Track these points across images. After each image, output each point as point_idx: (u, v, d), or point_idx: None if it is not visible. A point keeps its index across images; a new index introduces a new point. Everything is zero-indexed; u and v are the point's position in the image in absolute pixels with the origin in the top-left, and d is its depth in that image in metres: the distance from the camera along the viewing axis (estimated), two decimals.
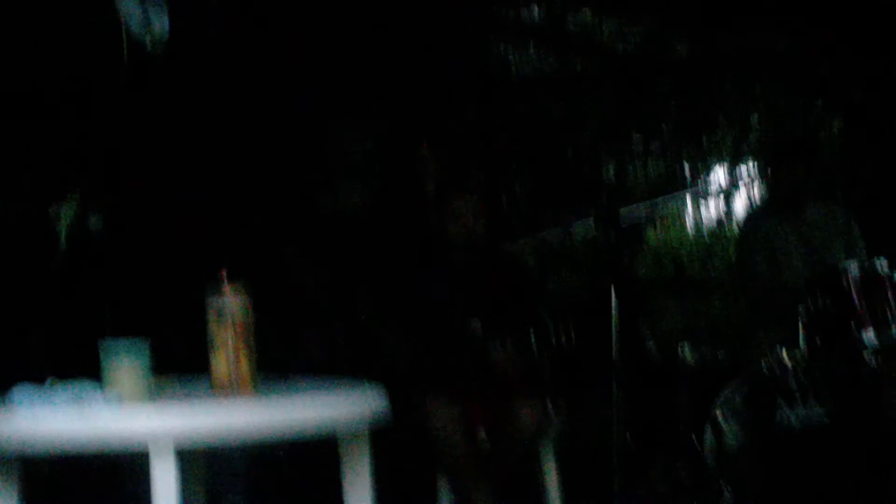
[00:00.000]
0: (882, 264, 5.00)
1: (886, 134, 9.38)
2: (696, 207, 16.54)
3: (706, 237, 15.60)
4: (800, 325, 4.98)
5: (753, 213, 6.58)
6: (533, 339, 4.39)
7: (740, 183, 13.72)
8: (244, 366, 2.68)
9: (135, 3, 1.60)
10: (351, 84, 6.56)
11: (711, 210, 16.19)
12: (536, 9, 10.01)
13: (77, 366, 2.75)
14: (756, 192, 11.81)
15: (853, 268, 4.98)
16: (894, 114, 9.61)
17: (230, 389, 2.68)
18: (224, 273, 2.73)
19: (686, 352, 5.68)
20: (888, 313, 4.90)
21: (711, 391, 5.01)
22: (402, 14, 6.60)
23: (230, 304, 2.70)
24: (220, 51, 5.69)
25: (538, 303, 4.57)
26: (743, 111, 12.10)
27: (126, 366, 2.64)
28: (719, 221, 15.29)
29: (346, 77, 6.53)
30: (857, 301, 4.90)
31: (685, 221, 16.72)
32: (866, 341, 4.86)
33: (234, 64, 5.80)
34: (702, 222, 16.69)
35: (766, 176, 5.98)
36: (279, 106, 6.16)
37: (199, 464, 3.30)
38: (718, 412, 4.88)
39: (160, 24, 1.63)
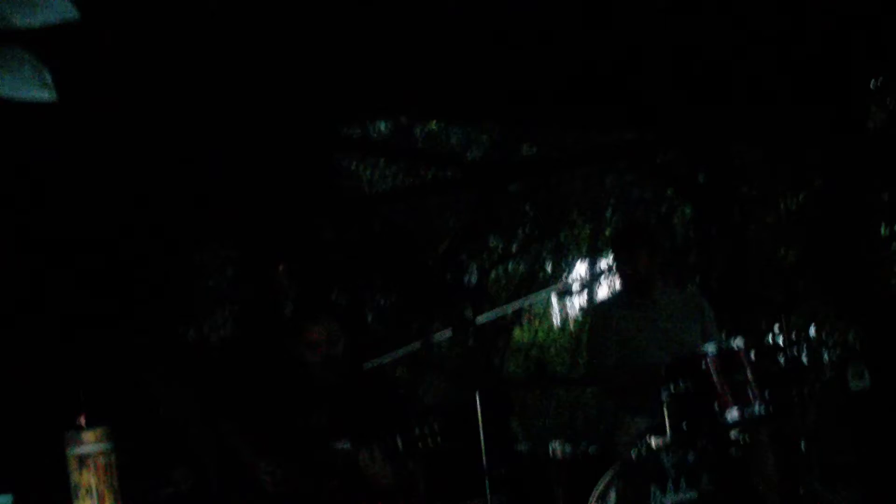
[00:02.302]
0: (738, 344, 5.10)
1: (732, 217, 9.70)
2: (561, 302, 16.81)
3: (572, 331, 15.80)
4: (664, 410, 5.03)
5: (602, 304, 6.67)
6: (403, 449, 4.39)
7: (601, 276, 13.99)
8: None
9: None
10: (208, 214, 6.56)
11: (575, 304, 16.48)
12: (383, 124, 10.13)
13: None
14: (616, 284, 12.04)
15: (711, 349, 5.06)
16: (738, 198, 9.97)
17: None
18: (83, 419, 2.70)
19: (559, 446, 5.71)
20: (748, 391, 4.99)
21: (586, 484, 5.03)
22: (249, 140, 6.63)
23: (91, 449, 2.66)
24: (78, 190, 5.66)
25: (406, 413, 4.57)
26: (596, 205, 12.33)
27: None
28: (584, 314, 15.51)
29: (203, 208, 6.53)
30: (717, 382, 4.98)
31: (551, 317, 16.96)
32: (730, 420, 4.94)
33: (94, 199, 5.77)
34: (567, 317, 16.96)
35: (614, 266, 6.05)
36: (136, 241, 6.13)
37: None
38: None
39: None
